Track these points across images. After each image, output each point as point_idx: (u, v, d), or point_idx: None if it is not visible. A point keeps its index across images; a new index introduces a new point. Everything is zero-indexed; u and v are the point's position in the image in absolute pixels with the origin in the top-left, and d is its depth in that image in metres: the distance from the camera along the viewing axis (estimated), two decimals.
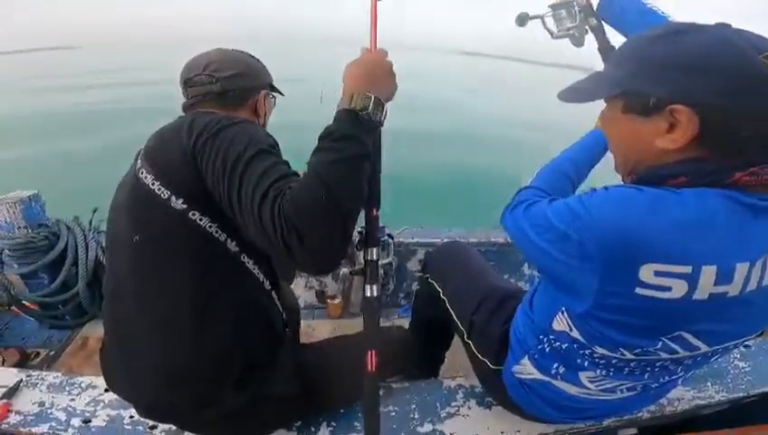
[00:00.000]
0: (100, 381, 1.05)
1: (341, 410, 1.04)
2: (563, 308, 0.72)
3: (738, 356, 1.28)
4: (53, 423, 0.96)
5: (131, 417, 0.98)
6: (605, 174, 0.89)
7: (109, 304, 0.84)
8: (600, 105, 0.70)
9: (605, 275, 0.58)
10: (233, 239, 0.78)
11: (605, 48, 1.07)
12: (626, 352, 0.68)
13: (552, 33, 1.14)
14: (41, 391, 1.05)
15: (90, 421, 0.97)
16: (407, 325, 1.46)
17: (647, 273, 0.55)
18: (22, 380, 1.07)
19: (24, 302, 1.71)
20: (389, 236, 1.88)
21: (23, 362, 1.60)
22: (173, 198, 0.74)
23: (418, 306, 1.41)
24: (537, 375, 0.85)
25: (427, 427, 1.01)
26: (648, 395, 0.87)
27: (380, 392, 1.10)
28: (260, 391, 0.84)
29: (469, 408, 1.07)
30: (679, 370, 0.74)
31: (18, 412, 0.99)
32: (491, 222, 0.87)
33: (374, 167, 0.81)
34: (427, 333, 1.35)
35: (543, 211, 0.67)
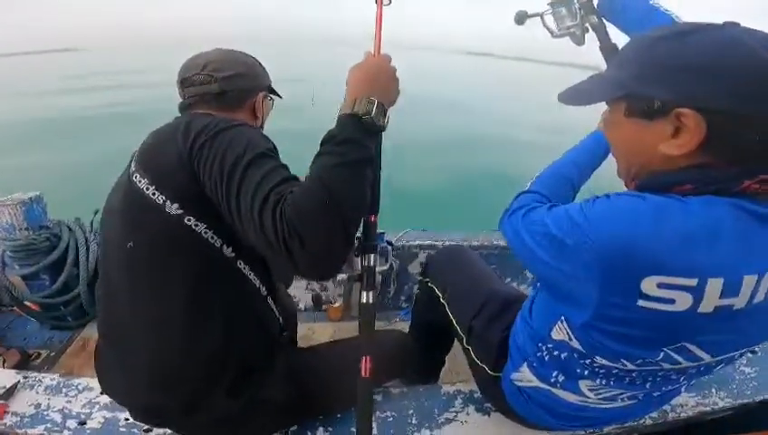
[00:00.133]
0: (97, 383, 1.04)
1: (338, 415, 1.03)
2: (562, 317, 0.70)
3: (744, 362, 1.25)
4: (49, 425, 0.96)
5: (126, 419, 0.98)
6: (606, 175, 0.88)
7: (102, 306, 0.84)
8: (603, 105, 0.68)
9: (605, 286, 0.56)
10: (228, 245, 0.77)
11: (607, 47, 1.04)
12: (627, 363, 0.66)
13: (552, 32, 1.12)
14: (37, 392, 1.05)
15: (85, 423, 0.97)
16: (407, 328, 1.46)
17: (649, 285, 0.53)
18: (19, 381, 1.07)
19: (26, 303, 1.71)
20: (389, 243, 1.87)
21: (23, 363, 1.61)
22: (168, 203, 0.72)
23: (418, 310, 1.40)
24: (536, 383, 0.83)
25: (425, 433, 1.00)
26: (650, 403, 0.85)
27: (378, 397, 1.10)
28: (254, 396, 0.83)
29: (468, 414, 1.06)
30: (682, 379, 0.73)
31: (15, 413, 0.99)
32: (494, 225, 0.86)
33: (374, 172, 0.80)
34: (428, 337, 1.34)
35: (542, 218, 0.65)
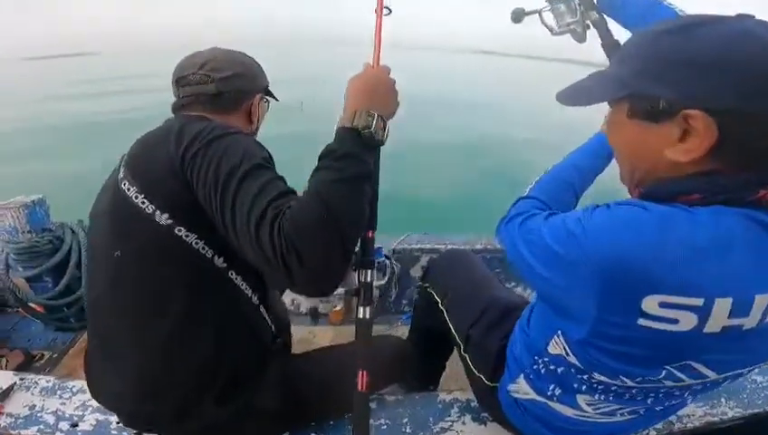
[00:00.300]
0: None
1: (331, 422, 1.01)
2: (559, 332, 0.67)
3: (756, 370, 1.20)
4: (42, 426, 0.96)
5: (118, 423, 0.97)
6: (610, 180, 0.84)
7: (90, 312, 0.83)
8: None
9: (603, 303, 0.52)
10: (220, 255, 0.75)
11: (609, 44, 1.00)
12: (626, 380, 0.63)
13: (551, 30, 1.08)
14: (33, 394, 1.05)
15: (77, 425, 0.97)
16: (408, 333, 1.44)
17: (651, 304, 0.49)
18: (15, 383, 1.07)
19: (30, 304, 1.74)
20: (387, 257, 1.87)
21: (26, 364, 1.63)
22: (158, 212, 0.71)
23: (417, 316, 1.38)
24: (533, 396, 0.80)
25: None
26: (653, 417, 0.81)
27: (372, 404, 1.07)
28: (245, 404, 0.82)
29: (464, 423, 1.03)
30: (686, 394, 0.69)
31: (9, 415, 1.00)
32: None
33: (372, 187, 0.79)
34: (426, 343, 1.31)
35: (539, 228, 0.61)
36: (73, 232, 1.68)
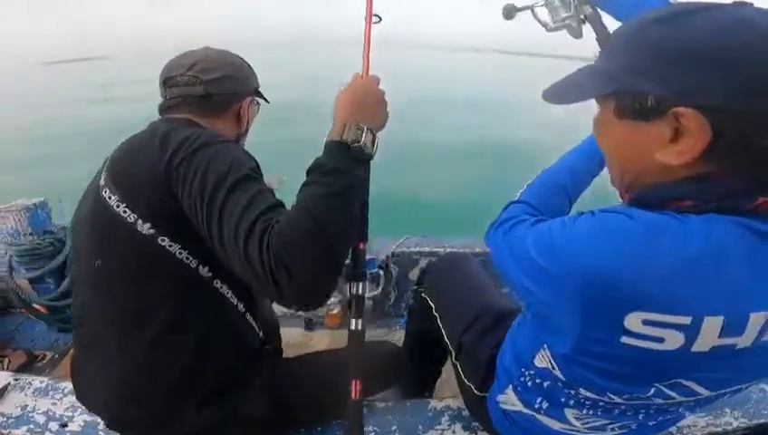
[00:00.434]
0: None
1: (318, 428, 1.01)
2: (545, 345, 0.65)
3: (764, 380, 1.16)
4: (32, 426, 0.98)
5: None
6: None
7: (76, 318, 0.83)
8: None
9: (586, 319, 0.49)
10: (205, 265, 0.74)
11: (603, 38, 0.97)
12: (614, 397, 0.60)
13: (546, 26, 1.03)
14: (26, 394, 1.07)
15: (66, 425, 0.98)
16: None
17: (634, 322, 0.45)
18: (10, 383, 1.09)
19: (34, 305, 1.77)
20: (380, 267, 1.85)
21: (29, 364, 1.66)
22: (140, 222, 0.69)
23: (412, 321, 1.35)
24: (520, 408, 0.77)
25: None
26: (646, 431, 0.76)
27: (364, 410, 1.06)
28: (229, 411, 0.81)
29: (453, 432, 1.01)
30: (680, 409, 0.65)
31: (2, 414, 1.01)
32: None
33: (364, 198, 0.79)
34: (421, 349, 1.29)
35: (524, 236, 0.57)
36: None
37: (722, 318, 0.44)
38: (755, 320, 0.45)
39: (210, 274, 0.75)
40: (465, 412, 1.04)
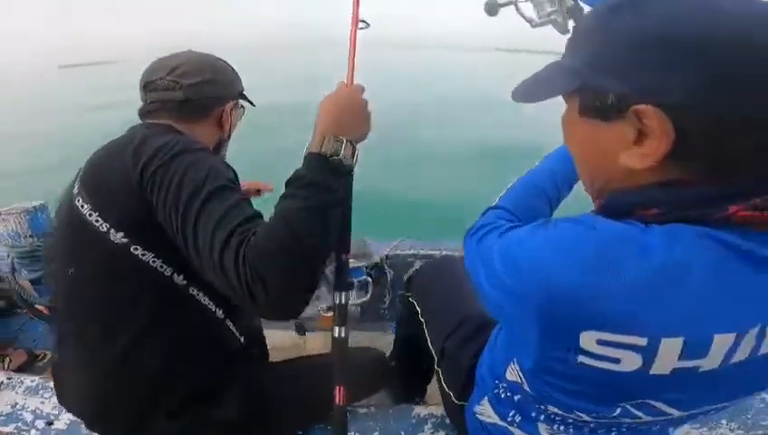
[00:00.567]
0: None
1: (300, 433, 1.01)
2: (515, 359, 0.63)
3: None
4: (20, 424, 1.00)
5: None
6: None
7: (53, 326, 0.85)
8: None
9: (543, 336, 0.47)
10: (180, 273, 0.74)
11: None
12: (582, 415, 0.57)
13: (531, 21, 1.00)
14: (17, 393, 1.10)
15: (52, 423, 1.00)
16: None
17: (588, 341, 0.42)
18: (3, 382, 1.12)
19: (36, 306, 1.81)
20: (369, 275, 1.85)
21: (29, 363, 1.70)
22: (112, 231, 0.69)
23: (400, 326, 1.35)
24: (496, 420, 0.75)
25: None
26: None
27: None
28: (202, 418, 0.81)
29: None
30: (655, 429, 0.62)
31: None
32: None
33: (345, 211, 0.78)
34: (409, 354, 1.28)
35: (491, 246, 0.55)
36: None
37: (681, 340, 0.40)
38: (721, 342, 0.40)
39: (185, 281, 0.75)
40: (449, 420, 1.03)
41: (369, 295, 1.83)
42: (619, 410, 0.52)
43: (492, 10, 1.02)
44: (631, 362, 0.42)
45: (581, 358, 0.44)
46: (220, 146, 1.00)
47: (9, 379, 1.14)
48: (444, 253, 1.89)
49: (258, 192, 1.33)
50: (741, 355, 0.42)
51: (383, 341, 1.88)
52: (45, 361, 1.75)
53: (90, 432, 0.97)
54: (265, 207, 0.70)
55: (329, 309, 1.88)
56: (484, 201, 0.80)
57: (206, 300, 0.80)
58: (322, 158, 0.66)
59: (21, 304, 1.77)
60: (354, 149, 0.71)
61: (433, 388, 1.39)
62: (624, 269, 0.40)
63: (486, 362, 0.79)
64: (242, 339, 0.91)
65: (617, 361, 0.43)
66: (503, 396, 0.71)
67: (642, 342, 0.41)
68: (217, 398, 0.83)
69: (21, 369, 1.60)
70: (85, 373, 0.78)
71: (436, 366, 0.99)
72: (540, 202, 0.81)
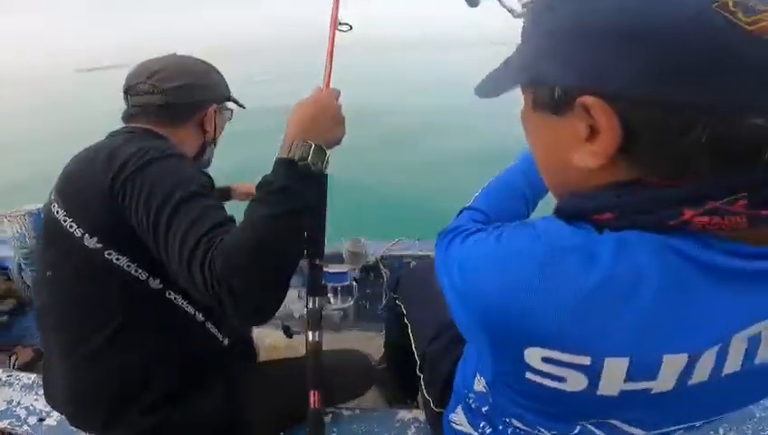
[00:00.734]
0: None
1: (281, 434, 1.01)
2: (480, 370, 0.62)
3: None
4: (14, 420, 1.04)
5: None
6: None
7: (36, 320, 0.88)
8: None
9: (494, 350, 0.45)
10: (155, 277, 0.75)
11: None
12: (544, 431, 0.55)
13: (512, 12, 0.96)
14: (14, 390, 1.14)
15: (44, 420, 1.04)
16: None
17: (533, 358, 0.40)
18: (1, 379, 1.17)
19: None
20: (355, 280, 1.86)
21: (35, 361, 1.75)
22: (86, 236, 0.71)
23: (388, 328, 1.34)
24: (469, 430, 0.73)
25: None
26: None
27: (327, 418, 1.05)
28: (177, 418, 0.82)
29: None
30: None
31: None
32: None
33: (319, 216, 0.79)
34: (397, 356, 1.27)
35: (455, 253, 0.51)
36: None
37: (627, 360, 0.37)
38: (672, 363, 0.37)
39: (162, 285, 0.76)
40: (430, 426, 1.02)
41: (353, 301, 1.83)
42: (578, 428, 0.50)
43: (473, 2, 1.00)
44: (577, 381, 0.39)
45: (529, 374, 0.42)
46: (204, 150, 1.00)
47: (9, 376, 1.18)
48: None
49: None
50: (699, 377, 0.38)
51: (379, 341, 1.88)
52: None
53: (77, 429, 1.01)
54: None
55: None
56: None
57: (184, 303, 0.81)
58: (290, 163, 0.66)
59: (29, 303, 1.84)
60: (325, 153, 0.70)
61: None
62: (566, 283, 0.37)
63: (461, 370, 0.77)
64: (225, 340, 0.92)
65: (563, 380, 0.40)
66: (473, 407, 0.70)
67: (585, 361, 0.38)
68: (195, 397, 0.84)
69: (26, 366, 1.66)
70: (65, 372, 0.81)
71: (418, 371, 0.98)
72: (515, 202, 0.78)
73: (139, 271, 0.74)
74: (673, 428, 0.49)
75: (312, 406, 0.80)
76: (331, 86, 0.81)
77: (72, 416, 0.85)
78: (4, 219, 1.61)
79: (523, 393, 0.48)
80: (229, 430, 0.90)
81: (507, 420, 0.60)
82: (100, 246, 0.71)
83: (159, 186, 0.66)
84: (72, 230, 0.72)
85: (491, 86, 0.49)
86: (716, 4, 0.30)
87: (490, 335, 0.43)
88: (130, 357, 0.77)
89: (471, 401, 0.69)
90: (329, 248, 1.92)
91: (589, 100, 0.35)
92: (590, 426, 0.49)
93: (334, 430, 1.03)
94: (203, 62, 0.98)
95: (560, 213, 0.43)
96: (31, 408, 1.08)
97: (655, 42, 0.32)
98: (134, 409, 0.79)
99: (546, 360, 0.39)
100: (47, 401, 0.91)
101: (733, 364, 0.38)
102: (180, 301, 0.80)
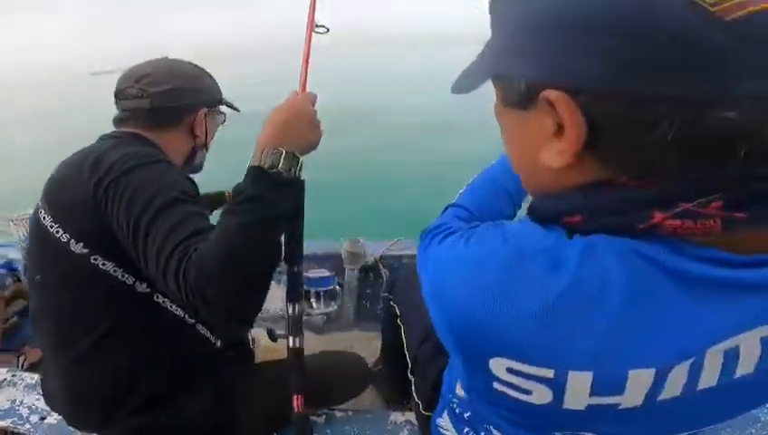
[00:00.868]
0: None
1: None
2: (459, 374, 0.61)
3: None
4: (16, 418, 1.07)
5: None
6: None
7: (31, 323, 0.89)
8: None
9: (463, 359, 0.43)
10: (142, 281, 0.76)
11: None
12: None
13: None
14: (18, 389, 1.17)
15: (45, 419, 1.06)
16: None
17: (499, 368, 0.38)
18: (6, 379, 1.20)
19: None
20: (339, 284, 1.87)
21: (43, 361, 1.80)
22: (72, 241, 0.72)
23: (384, 329, 1.33)
24: (454, 434, 0.73)
25: None
26: None
27: (320, 419, 1.07)
28: (167, 419, 0.83)
29: None
30: None
31: None
32: None
33: (297, 222, 0.78)
34: (392, 357, 1.26)
35: (432, 255, 0.49)
36: None
37: (591, 374, 0.34)
38: (638, 378, 0.34)
39: (149, 289, 0.77)
40: (420, 429, 1.02)
41: (336, 305, 1.84)
42: None
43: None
44: (542, 394, 0.37)
45: (496, 385, 0.40)
46: (194, 154, 1.00)
47: (13, 376, 1.22)
48: None
49: None
50: (670, 392, 0.36)
51: (380, 342, 1.89)
52: None
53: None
54: None
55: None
56: None
57: (172, 307, 0.82)
58: (260, 171, 0.65)
59: None
60: (297, 160, 0.69)
61: None
62: (530, 291, 0.35)
63: (447, 374, 0.77)
64: (218, 342, 0.93)
65: (528, 392, 0.38)
66: (457, 411, 0.69)
67: (549, 374, 0.35)
68: (185, 399, 0.85)
69: (34, 367, 1.69)
70: (58, 373, 0.83)
71: (409, 374, 0.97)
72: (499, 199, 0.76)
73: (126, 275, 0.75)
74: None
75: (296, 410, 0.81)
76: (314, 89, 0.80)
77: (68, 416, 0.87)
78: (11, 223, 1.65)
79: (494, 403, 0.46)
80: (220, 431, 0.91)
81: (487, 426, 0.59)
82: (86, 251, 0.72)
83: (141, 192, 0.67)
84: (58, 236, 0.73)
85: (465, 82, 0.46)
86: None
87: (457, 342, 0.41)
88: (118, 360, 0.78)
89: (455, 406, 0.69)
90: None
91: (552, 94, 0.33)
92: None
93: (327, 431, 1.04)
94: (194, 65, 0.98)
95: (532, 214, 0.41)
96: (33, 407, 1.10)
97: (614, 30, 0.29)
98: (124, 410, 0.81)
99: (511, 371, 0.37)
100: (46, 402, 0.93)
101: (708, 379, 0.36)
102: (168, 304, 0.81)
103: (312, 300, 1.81)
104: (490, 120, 0.46)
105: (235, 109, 1.07)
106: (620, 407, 0.37)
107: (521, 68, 0.36)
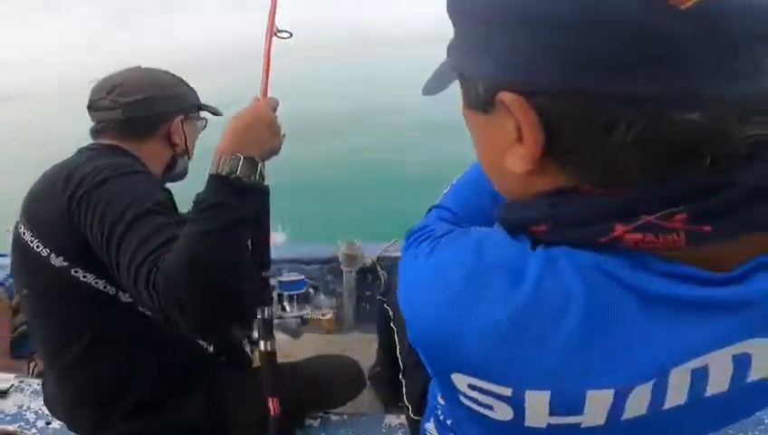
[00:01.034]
0: None
1: None
2: None
3: None
4: (23, 423, 1.11)
5: None
6: None
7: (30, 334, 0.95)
8: None
9: (432, 371, 0.42)
10: (125, 292, 0.76)
11: None
12: None
13: None
14: (25, 395, 1.21)
15: (50, 423, 1.10)
16: None
17: (461, 383, 0.37)
18: (13, 385, 1.24)
19: None
20: (314, 287, 1.89)
21: None
22: (53, 255, 0.73)
23: (379, 332, 1.34)
24: None
25: None
26: None
27: (315, 422, 1.09)
28: (157, 425, 0.85)
29: None
30: None
31: (1, 412, 1.16)
32: None
33: (262, 227, 0.79)
34: (387, 360, 1.27)
35: (408, 256, 0.47)
36: None
37: (548, 393, 0.33)
38: (597, 398, 0.32)
39: (132, 299, 0.76)
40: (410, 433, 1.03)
41: (310, 307, 1.86)
42: None
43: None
44: (503, 411, 0.36)
45: (462, 399, 0.38)
46: (174, 162, 0.99)
47: (21, 382, 1.26)
48: None
49: None
50: (634, 412, 0.33)
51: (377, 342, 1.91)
52: None
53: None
54: None
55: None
56: None
57: None
58: (220, 178, 0.65)
59: None
60: (256, 166, 0.69)
61: None
62: (489, 305, 0.33)
63: (432, 380, 0.77)
64: (210, 348, 0.95)
65: (490, 408, 0.36)
66: (441, 419, 0.69)
67: (507, 392, 0.34)
68: (176, 405, 0.87)
69: (42, 374, 1.74)
70: (53, 381, 0.86)
71: (401, 377, 0.98)
72: (483, 200, 0.72)
73: (108, 287, 0.76)
74: None
75: (271, 413, 0.82)
76: (276, 94, 0.80)
77: (66, 421, 0.90)
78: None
79: (466, 415, 0.44)
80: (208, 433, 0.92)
81: None
82: (66, 264, 0.73)
83: (113, 204, 0.67)
84: (38, 250, 0.74)
85: (434, 84, 0.45)
86: None
87: (423, 354, 0.40)
88: (103, 370, 0.80)
89: (439, 413, 0.69)
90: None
91: (506, 96, 0.31)
92: None
93: (321, 433, 1.06)
94: (169, 73, 0.97)
95: (501, 223, 0.39)
96: (39, 412, 1.14)
97: (566, 23, 0.27)
98: (114, 416, 0.83)
99: (472, 387, 0.36)
100: (46, 407, 0.97)
101: (675, 398, 0.34)
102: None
103: (284, 304, 1.81)
104: None
105: (218, 114, 1.05)
106: (582, 426, 0.35)
107: (478, 69, 0.34)
